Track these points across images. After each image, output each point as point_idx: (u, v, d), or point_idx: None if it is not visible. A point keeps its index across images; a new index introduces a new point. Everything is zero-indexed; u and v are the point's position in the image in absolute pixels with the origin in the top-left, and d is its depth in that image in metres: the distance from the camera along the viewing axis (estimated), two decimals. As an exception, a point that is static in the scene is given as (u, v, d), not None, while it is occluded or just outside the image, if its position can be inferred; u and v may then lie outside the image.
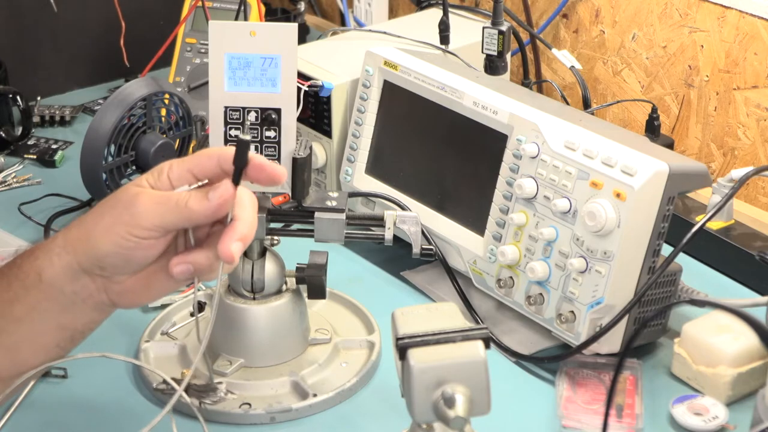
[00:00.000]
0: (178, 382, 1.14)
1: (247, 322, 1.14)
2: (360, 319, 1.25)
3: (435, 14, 1.59)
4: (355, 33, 1.63)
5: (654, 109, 1.52)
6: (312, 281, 1.15)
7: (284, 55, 1.09)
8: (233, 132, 1.11)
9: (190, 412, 1.11)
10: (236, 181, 0.89)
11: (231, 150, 0.89)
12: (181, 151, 1.45)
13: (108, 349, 1.20)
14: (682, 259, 1.25)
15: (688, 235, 1.13)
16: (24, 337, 0.92)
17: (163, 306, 1.26)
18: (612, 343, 1.15)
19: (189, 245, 0.92)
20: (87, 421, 1.12)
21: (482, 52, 1.47)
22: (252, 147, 1.09)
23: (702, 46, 1.51)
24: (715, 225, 1.35)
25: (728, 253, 1.34)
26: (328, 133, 1.44)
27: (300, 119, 1.41)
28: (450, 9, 1.54)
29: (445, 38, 1.53)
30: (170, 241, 0.91)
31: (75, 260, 0.90)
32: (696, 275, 1.32)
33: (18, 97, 1.65)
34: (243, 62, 1.09)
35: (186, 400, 1.10)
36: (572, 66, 1.58)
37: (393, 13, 1.93)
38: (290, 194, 1.13)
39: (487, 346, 0.87)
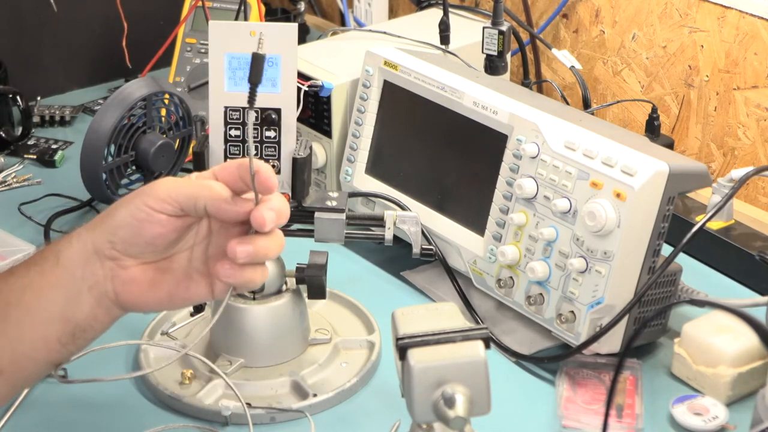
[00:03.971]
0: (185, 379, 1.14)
1: (247, 322, 1.14)
2: (360, 319, 1.25)
3: (435, 14, 1.59)
4: (355, 33, 1.63)
5: (654, 109, 1.52)
6: (312, 281, 1.15)
7: (284, 55, 1.09)
8: (233, 133, 1.11)
9: (189, 411, 1.11)
10: (251, 100, 0.88)
11: (256, 162, 0.89)
12: (181, 151, 1.45)
13: (108, 348, 1.20)
14: (682, 259, 1.25)
15: (688, 235, 1.13)
16: (28, 326, 0.93)
17: (163, 306, 1.26)
18: (612, 343, 1.15)
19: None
20: (87, 421, 1.12)
21: (482, 52, 1.47)
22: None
23: (702, 46, 1.51)
24: (715, 225, 1.35)
25: (728, 253, 1.34)
26: (328, 133, 1.44)
27: (300, 119, 1.41)
28: (450, 9, 1.54)
29: (445, 38, 1.53)
30: (182, 232, 0.92)
31: (90, 239, 0.91)
32: (696, 275, 1.32)
33: (18, 97, 1.65)
34: (243, 62, 1.09)
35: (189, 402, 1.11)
36: (572, 66, 1.58)
37: (393, 13, 1.93)
38: (290, 194, 1.13)
39: (487, 346, 0.87)
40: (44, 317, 0.93)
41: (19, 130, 1.67)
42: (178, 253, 0.93)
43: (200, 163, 1.15)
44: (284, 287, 1.16)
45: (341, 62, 1.46)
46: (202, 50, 1.63)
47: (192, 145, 1.46)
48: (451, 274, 1.28)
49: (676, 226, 1.18)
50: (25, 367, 0.95)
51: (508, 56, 1.48)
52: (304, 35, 1.91)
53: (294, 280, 1.16)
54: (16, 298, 0.93)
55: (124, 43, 1.68)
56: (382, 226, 1.16)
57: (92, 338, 0.95)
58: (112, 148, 1.38)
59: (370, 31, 1.59)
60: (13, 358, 0.94)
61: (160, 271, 0.93)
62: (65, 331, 0.93)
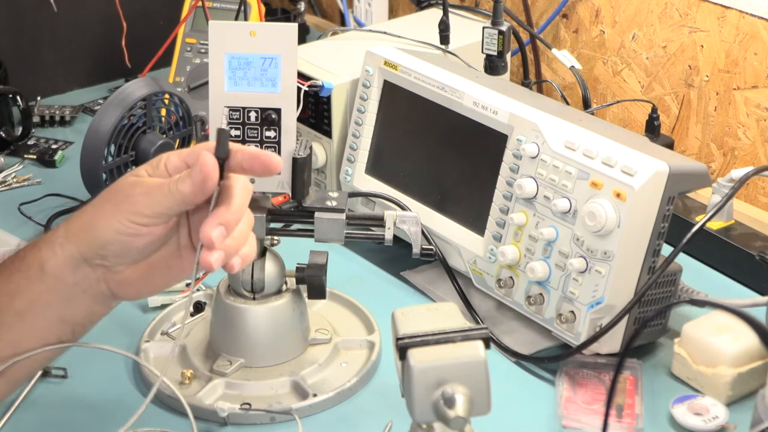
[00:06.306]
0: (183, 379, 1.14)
1: (247, 322, 1.14)
2: (360, 319, 1.25)
3: (435, 14, 1.59)
4: (355, 33, 1.63)
5: (654, 109, 1.52)
6: (312, 281, 1.15)
7: (284, 55, 1.09)
8: (233, 133, 1.11)
9: (185, 410, 1.11)
10: (221, 174, 0.89)
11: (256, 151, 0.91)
12: (181, 151, 1.45)
13: (108, 344, 1.20)
14: (682, 259, 1.25)
15: (688, 235, 1.13)
16: (25, 331, 0.93)
17: (163, 306, 1.26)
18: (612, 343, 1.15)
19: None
20: (87, 421, 1.12)
21: (482, 52, 1.47)
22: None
23: (702, 46, 1.51)
24: (715, 225, 1.35)
25: (728, 253, 1.34)
26: (328, 133, 1.44)
27: (300, 119, 1.41)
28: (450, 9, 1.54)
29: (445, 38, 1.53)
30: (169, 230, 0.92)
31: (77, 250, 0.91)
32: (696, 275, 1.32)
33: (18, 97, 1.65)
34: (243, 62, 1.09)
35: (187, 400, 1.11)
36: (572, 66, 1.58)
37: (393, 13, 1.93)
38: (290, 194, 1.13)
39: (487, 346, 0.87)
40: (40, 322, 0.93)
41: (19, 130, 1.67)
42: (166, 243, 0.94)
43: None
44: (284, 287, 1.16)
45: (341, 62, 1.46)
46: (202, 50, 1.63)
47: (192, 145, 1.46)
48: (451, 274, 1.28)
49: (676, 226, 1.18)
50: (26, 366, 0.95)
51: (508, 56, 1.48)
52: (304, 35, 1.91)
53: (294, 280, 1.16)
54: (7, 304, 0.92)
55: (123, 43, 1.68)
56: (382, 226, 1.16)
57: (91, 328, 0.96)
58: (112, 148, 1.38)
59: (370, 31, 1.59)
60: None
61: (152, 265, 0.94)
62: (64, 330, 0.94)
